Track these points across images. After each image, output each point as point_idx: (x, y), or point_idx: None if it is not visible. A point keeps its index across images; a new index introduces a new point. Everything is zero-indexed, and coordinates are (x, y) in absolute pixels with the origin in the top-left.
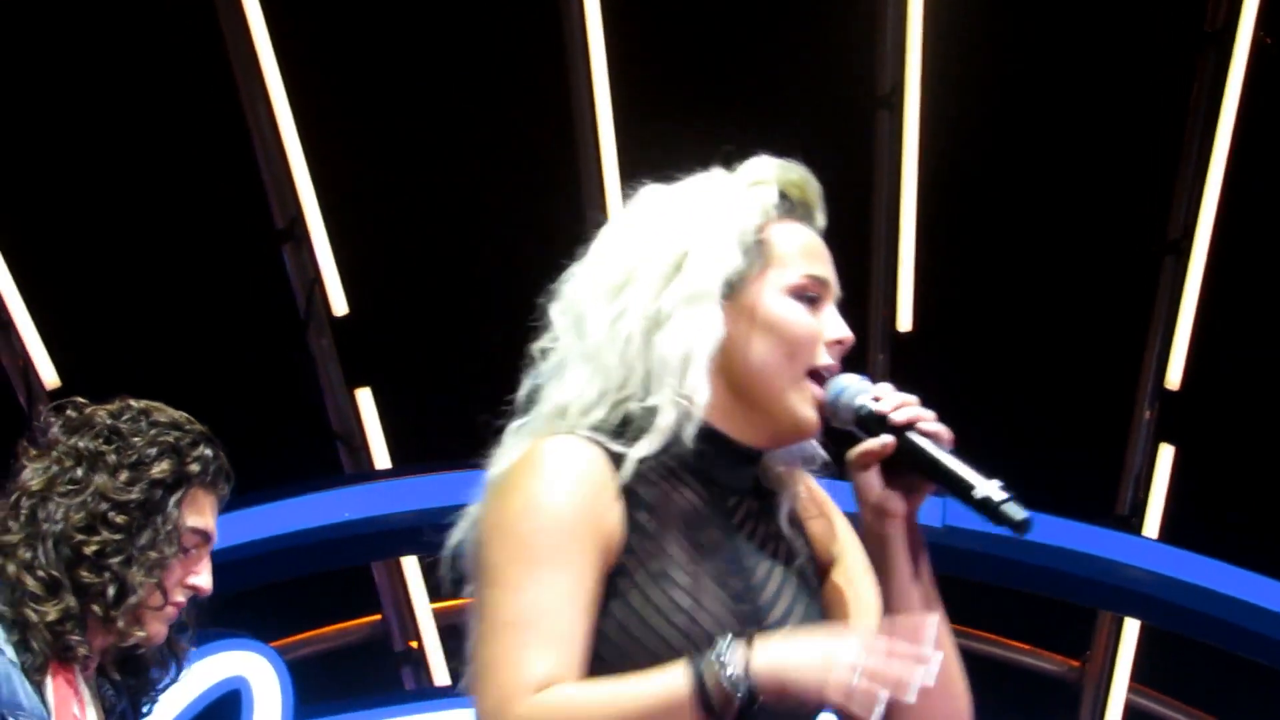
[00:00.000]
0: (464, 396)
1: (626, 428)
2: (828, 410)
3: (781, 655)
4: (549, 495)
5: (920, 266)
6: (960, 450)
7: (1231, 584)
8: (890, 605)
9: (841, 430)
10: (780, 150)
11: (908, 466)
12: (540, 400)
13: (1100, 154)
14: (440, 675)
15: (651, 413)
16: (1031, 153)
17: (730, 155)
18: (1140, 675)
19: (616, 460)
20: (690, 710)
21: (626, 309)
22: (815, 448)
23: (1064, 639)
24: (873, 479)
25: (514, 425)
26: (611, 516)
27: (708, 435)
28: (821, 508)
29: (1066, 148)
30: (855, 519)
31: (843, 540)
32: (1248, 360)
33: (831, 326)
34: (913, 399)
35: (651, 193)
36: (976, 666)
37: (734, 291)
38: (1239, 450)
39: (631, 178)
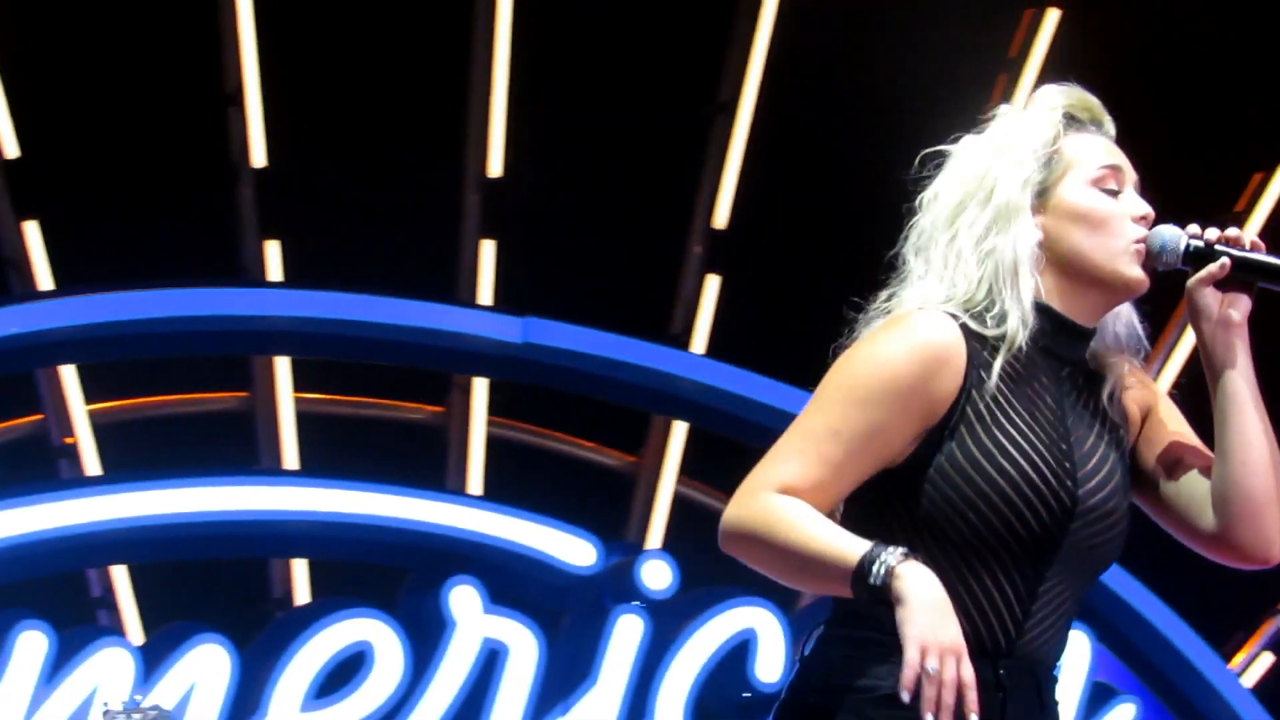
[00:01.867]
0: (115, 232)
1: (982, 318)
2: (1154, 260)
3: (919, 588)
4: (893, 353)
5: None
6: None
7: (765, 392)
8: (1230, 400)
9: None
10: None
11: (1237, 280)
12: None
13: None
14: (92, 467)
15: (995, 311)
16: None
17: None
18: (687, 470)
19: (973, 336)
20: (844, 576)
21: (958, 233)
22: (1142, 339)
23: (623, 437)
24: (1210, 299)
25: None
26: (947, 383)
27: (1046, 314)
28: (1143, 382)
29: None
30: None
31: (1163, 410)
32: (782, 205)
33: (1133, 205)
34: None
35: (964, 142)
36: (547, 461)
37: (1044, 198)
38: (773, 281)
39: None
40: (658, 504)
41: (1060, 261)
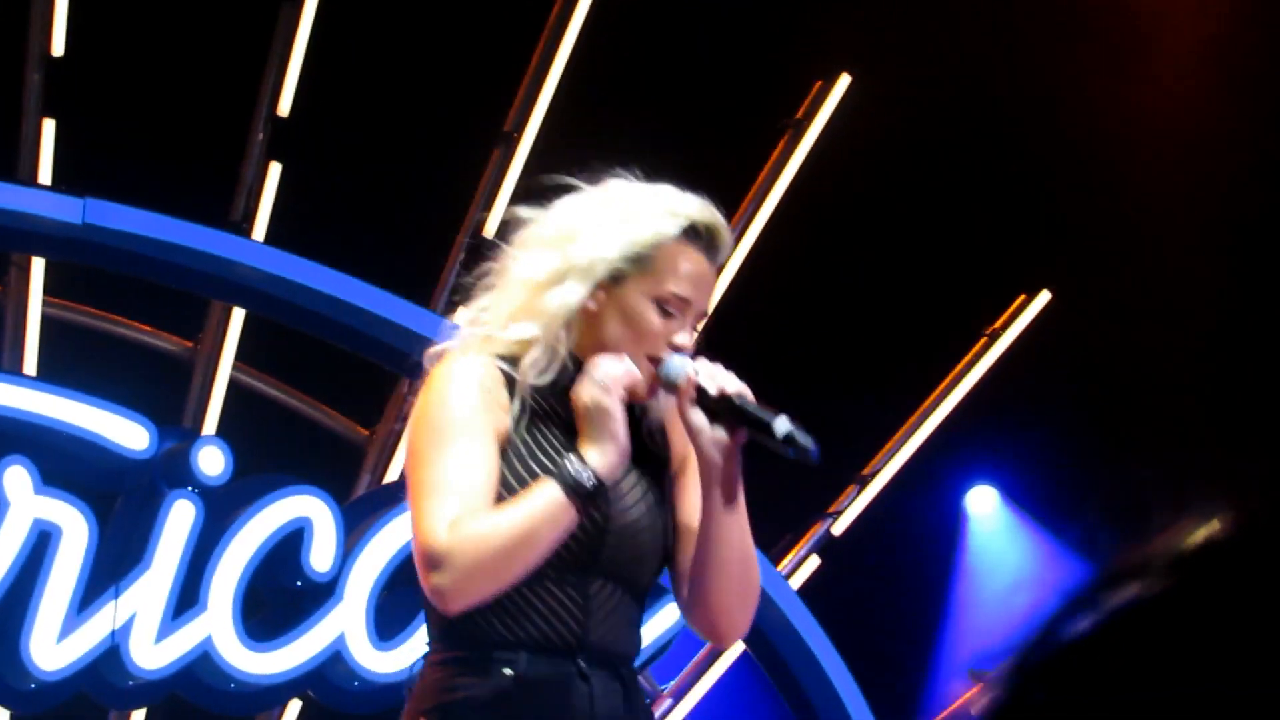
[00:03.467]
0: None
1: (519, 357)
2: (662, 381)
3: (592, 440)
4: (456, 390)
5: None
6: None
7: (324, 281)
8: (710, 508)
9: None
10: None
11: (719, 414)
12: (477, 307)
13: None
14: None
15: (532, 352)
16: None
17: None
18: (243, 356)
19: (508, 377)
20: (565, 508)
21: (538, 263)
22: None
23: (181, 322)
24: (696, 418)
25: (454, 339)
26: (500, 412)
27: (576, 362)
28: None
29: None
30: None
31: (691, 469)
32: (346, 95)
33: (676, 334)
34: (725, 372)
35: (610, 181)
36: (103, 343)
37: (617, 282)
38: (334, 170)
39: None
40: (215, 390)
41: (598, 331)
